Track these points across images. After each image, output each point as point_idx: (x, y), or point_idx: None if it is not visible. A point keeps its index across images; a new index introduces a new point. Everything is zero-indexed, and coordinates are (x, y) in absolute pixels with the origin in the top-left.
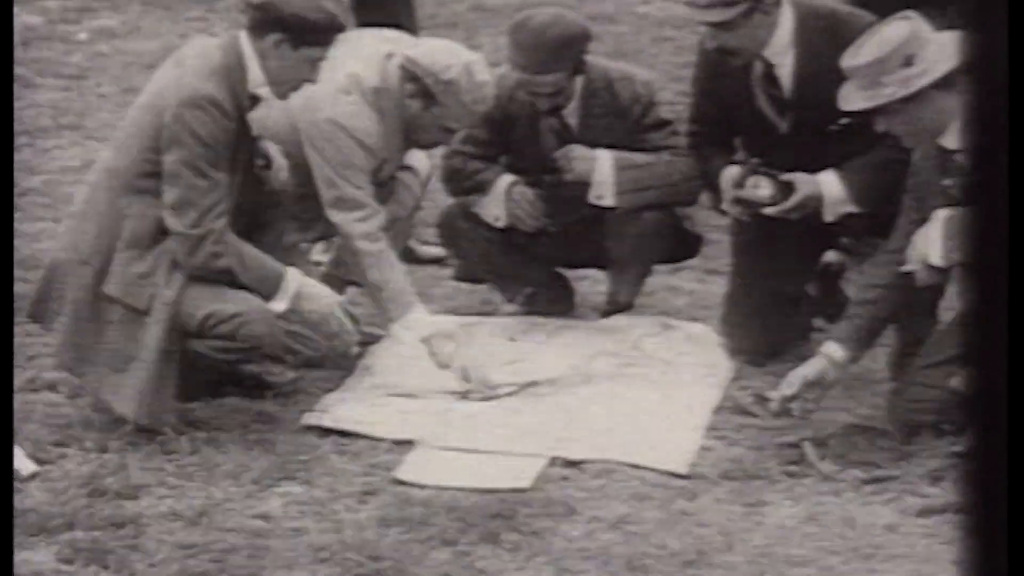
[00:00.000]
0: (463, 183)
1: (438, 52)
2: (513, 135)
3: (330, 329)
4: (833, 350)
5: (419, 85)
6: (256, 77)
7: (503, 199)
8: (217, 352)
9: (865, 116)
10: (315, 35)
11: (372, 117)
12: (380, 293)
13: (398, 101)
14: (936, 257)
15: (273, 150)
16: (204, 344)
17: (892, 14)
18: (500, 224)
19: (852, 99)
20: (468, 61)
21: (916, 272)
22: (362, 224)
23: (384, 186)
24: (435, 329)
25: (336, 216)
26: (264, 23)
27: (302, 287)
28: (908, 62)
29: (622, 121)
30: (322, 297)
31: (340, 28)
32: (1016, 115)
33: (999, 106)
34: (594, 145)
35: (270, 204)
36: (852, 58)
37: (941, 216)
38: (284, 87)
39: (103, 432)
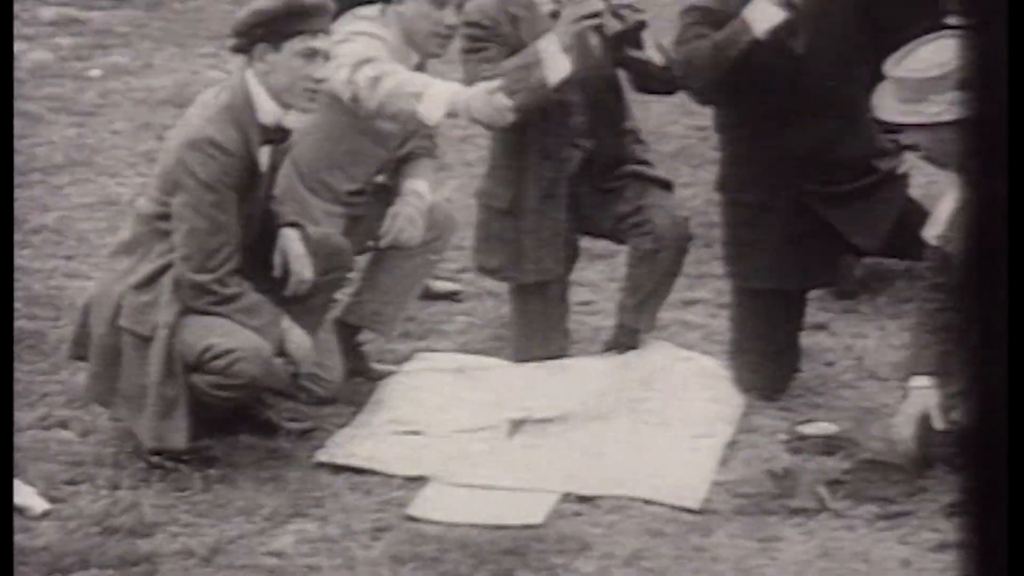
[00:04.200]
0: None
1: None
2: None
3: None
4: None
5: None
6: (268, 109)
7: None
8: (213, 389)
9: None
10: (285, 25)
11: (380, 32)
12: (395, 98)
13: (395, 14)
14: (932, 235)
15: (291, 244)
16: (202, 379)
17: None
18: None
19: (890, 110)
20: None
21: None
22: (366, 67)
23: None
24: (456, 97)
25: (342, 75)
26: (245, 45)
27: (287, 330)
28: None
29: None
30: (301, 340)
31: (304, 9)
32: (1016, 125)
33: (998, 114)
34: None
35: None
36: (898, 67)
37: (949, 200)
38: (288, 95)
39: (115, 469)
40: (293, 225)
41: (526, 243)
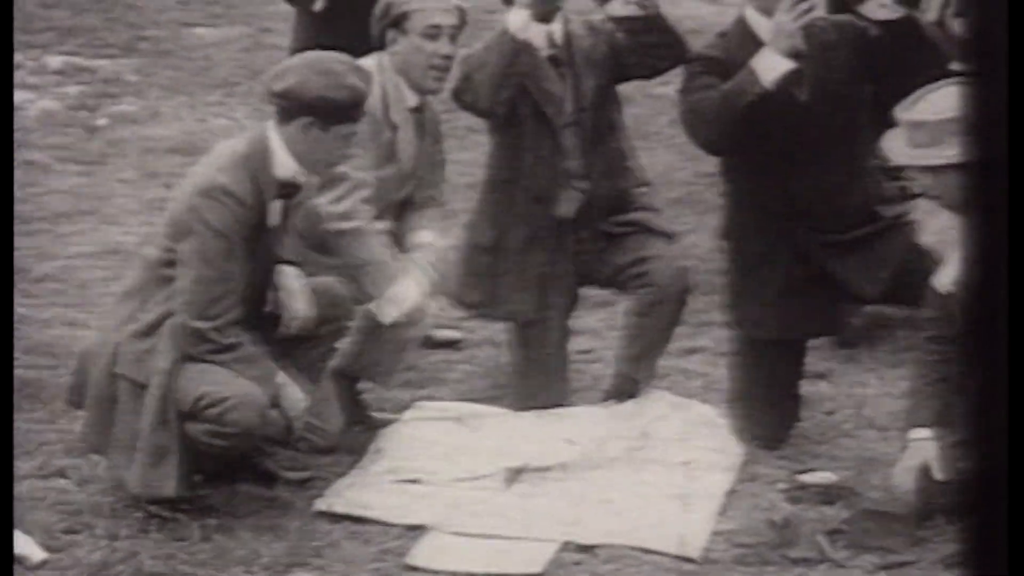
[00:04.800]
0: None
1: None
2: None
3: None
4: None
5: (389, 19)
6: (285, 164)
7: None
8: (208, 437)
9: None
10: (343, 112)
11: (374, 87)
12: (360, 271)
13: (390, 59)
14: (941, 284)
15: (288, 281)
16: (197, 428)
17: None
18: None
19: (902, 153)
20: None
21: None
22: (337, 205)
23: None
24: (416, 303)
25: (315, 200)
26: (290, 110)
27: (283, 386)
28: None
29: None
30: (296, 398)
31: (365, 99)
32: (1017, 169)
33: (1000, 159)
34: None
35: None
36: (910, 111)
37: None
38: (319, 166)
39: (114, 519)
40: (292, 264)
41: (505, 282)
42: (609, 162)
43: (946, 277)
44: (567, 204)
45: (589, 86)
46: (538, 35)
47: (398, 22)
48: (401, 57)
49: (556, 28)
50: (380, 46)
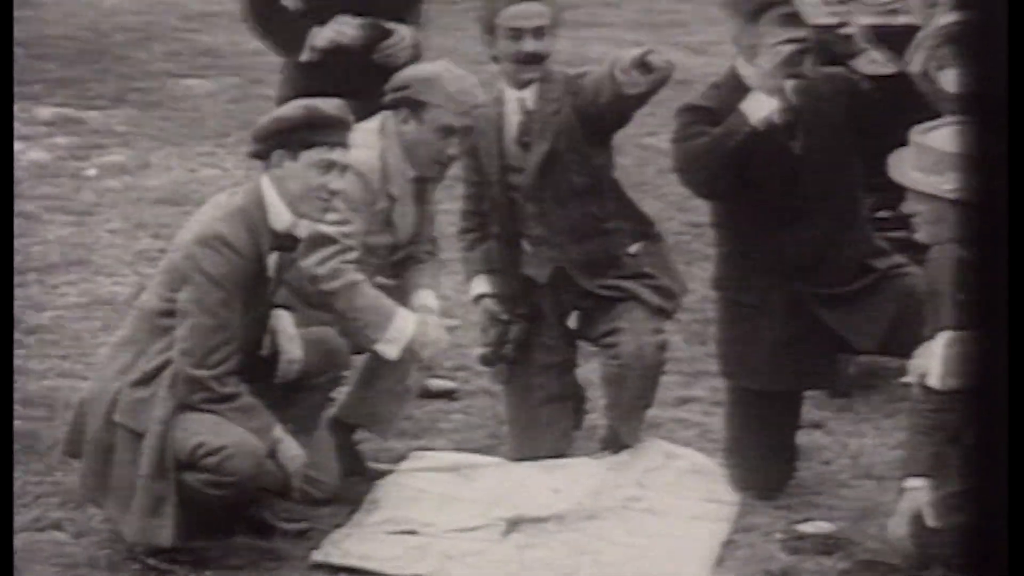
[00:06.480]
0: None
1: (415, 67)
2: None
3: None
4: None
5: (405, 97)
6: (281, 216)
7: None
8: (206, 486)
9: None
10: (304, 135)
11: (373, 152)
12: (356, 322)
13: (397, 131)
14: (935, 379)
15: (282, 324)
16: (194, 477)
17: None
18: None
19: (904, 172)
20: (444, 65)
21: (912, 387)
22: (322, 266)
23: (403, 264)
24: (415, 331)
25: (303, 263)
26: (263, 150)
27: (280, 440)
28: None
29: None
30: (293, 453)
31: (348, 125)
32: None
33: (997, 201)
34: (550, 130)
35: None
36: (927, 136)
37: (944, 338)
38: (302, 204)
39: (110, 571)
40: (287, 308)
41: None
42: (576, 226)
43: (934, 369)
44: (538, 269)
45: (541, 152)
46: (511, 101)
47: (413, 105)
48: (410, 139)
49: (527, 95)
50: (388, 106)
